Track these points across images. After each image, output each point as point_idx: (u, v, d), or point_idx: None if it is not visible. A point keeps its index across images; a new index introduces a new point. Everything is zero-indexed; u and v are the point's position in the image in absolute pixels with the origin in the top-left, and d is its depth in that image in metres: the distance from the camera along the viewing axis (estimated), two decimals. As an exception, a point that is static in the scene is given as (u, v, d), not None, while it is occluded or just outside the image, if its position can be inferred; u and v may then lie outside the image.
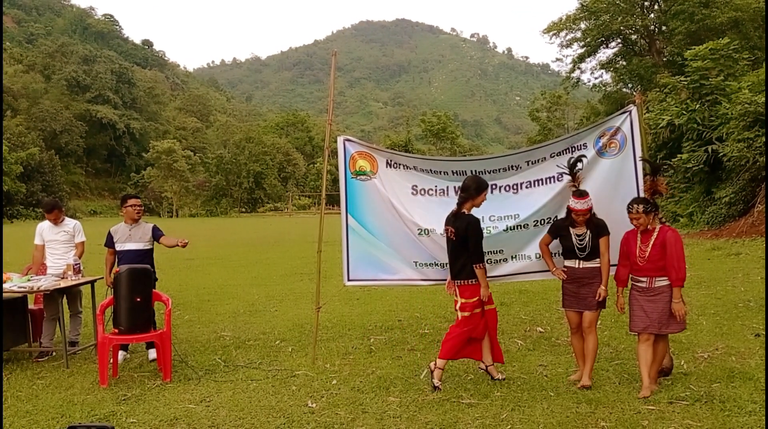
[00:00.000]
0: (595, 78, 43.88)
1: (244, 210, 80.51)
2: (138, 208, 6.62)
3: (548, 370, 5.63)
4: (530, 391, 4.99)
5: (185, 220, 64.13)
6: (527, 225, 5.73)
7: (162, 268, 6.72)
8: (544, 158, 5.79)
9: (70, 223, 7.07)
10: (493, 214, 5.71)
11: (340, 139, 6.08)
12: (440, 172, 6.00)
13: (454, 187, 5.93)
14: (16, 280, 6.41)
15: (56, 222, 6.93)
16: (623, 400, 4.69)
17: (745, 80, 18.24)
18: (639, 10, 37.24)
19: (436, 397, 4.93)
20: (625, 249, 5.03)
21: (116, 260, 6.50)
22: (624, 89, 40.00)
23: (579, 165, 5.32)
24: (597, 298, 5.09)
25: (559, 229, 5.28)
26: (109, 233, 6.58)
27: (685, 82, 19.84)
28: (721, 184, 18.27)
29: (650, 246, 4.85)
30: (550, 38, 40.68)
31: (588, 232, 5.10)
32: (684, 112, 19.21)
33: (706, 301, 8.39)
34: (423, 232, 5.84)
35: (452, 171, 5.98)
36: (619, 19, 36.15)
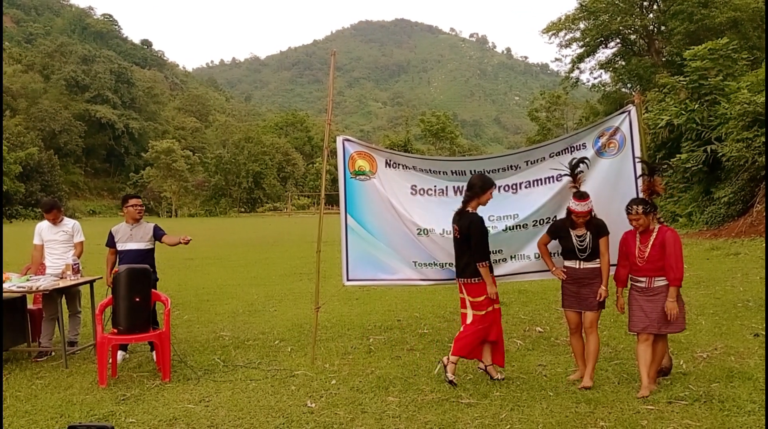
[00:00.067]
0: (594, 78, 43.94)
1: (243, 210, 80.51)
2: (139, 207, 6.61)
3: (547, 369, 5.63)
4: (529, 391, 4.99)
5: (184, 219, 64.11)
6: (526, 225, 5.73)
7: (161, 267, 6.72)
8: (544, 158, 5.80)
9: (69, 222, 7.06)
10: (492, 214, 5.71)
11: (339, 139, 6.08)
12: (439, 172, 6.00)
13: (454, 187, 5.94)
14: (15, 279, 6.40)
15: (55, 222, 6.93)
16: (622, 400, 4.69)
17: (744, 80, 18.27)
18: (638, 10, 37.25)
19: (435, 396, 4.93)
20: (624, 249, 5.03)
21: (117, 260, 6.49)
22: (623, 89, 40.01)
23: (581, 166, 5.32)
24: (598, 298, 5.09)
25: (558, 230, 5.27)
26: (110, 233, 6.57)
27: (684, 82, 19.85)
28: (720, 184, 18.28)
29: (649, 246, 4.85)
30: (550, 38, 40.72)
31: (588, 232, 5.10)
32: (683, 112, 19.23)
33: (705, 301, 8.39)
34: (422, 232, 5.84)
35: (451, 171, 5.99)
36: (618, 19, 36.17)
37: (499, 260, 5.75)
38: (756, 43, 27.85)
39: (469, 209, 5.31)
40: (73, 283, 6.54)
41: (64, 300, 6.75)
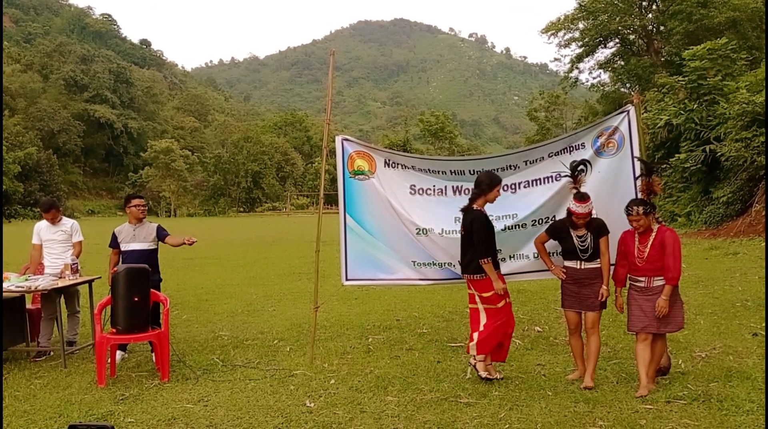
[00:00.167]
0: (594, 78, 43.88)
1: (242, 209, 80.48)
2: (142, 207, 6.61)
3: (546, 369, 5.63)
4: (528, 391, 4.99)
5: (183, 219, 64.06)
6: (525, 224, 5.74)
7: (160, 267, 6.71)
8: (542, 158, 5.80)
9: (67, 222, 7.05)
10: (491, 213, 5.69)
11: (338, 139, 6.08)
12: (438, 171, 6.01)
13: (453, 187, 5.95)
14: (14, 279, 6.39)
15: (54, 221, 6.92)
16: (621, 400, 4.69)
17: (743, 80, 18.27)
18: (637, 10, 37.26)
19: (434, 396, 4.93)
20: (623, 249, 5.03)
21: (120, 260, 6.48)
22: (622, 89, 40.01)
23: (582, 167, 5.31)
24: (600, 298, 5.09)
25: (558, 231, 5.27)
26: (114, 234, 6.57)
27: (683, 82, 19.86)
28: (719, 183, 18.29)
29: (649, 246, 4.85)
30: (549, 38, 40.71)
31: (589, 233, 5.10)
32: (682, 111, 19.23)
33: (703, 301, 8.40)
34: (421, 232, 5.85)
35: (450, 170, 5.99)
36: (617, 19, 36.18)
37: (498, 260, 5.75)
38: (755, 43, 27.87)
39: (475, 206, 5.32)
40: (71, 282, 6.53)
41: (62, 300, 6.74)
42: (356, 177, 6.00)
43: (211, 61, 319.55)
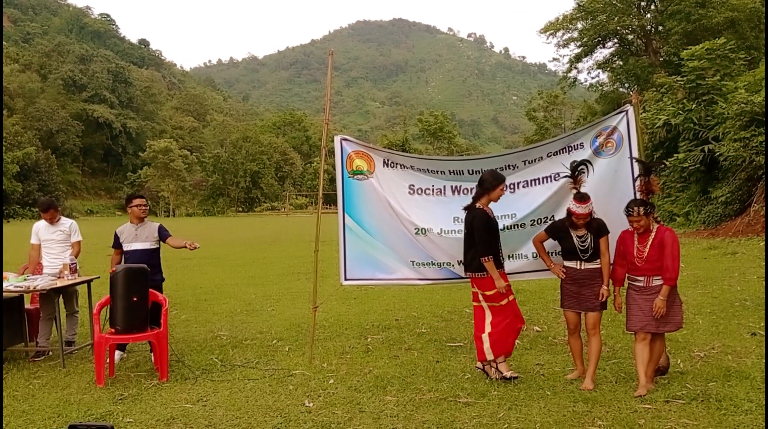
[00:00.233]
0: (592, 78, 43.93)
1: (240, 209, 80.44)
2: (143, 207, 6.61)
3: (545, 369, 5.64)
4: (527, 390, 4.99)
5: (182, 219, 64.02)
6: (524, 224, 5.74)
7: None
8: (541, 158, 5.81)
9: (66, 222, 7.04)
10: (490, 213, 5.71)
11: (337, 139, 6.08)
12: (437, 171, 6.01)
13: (451, 187, 5.95)
14: (13, 279, 6.39)
15: (52, 221, 6.91)
16: (620, 399, 4.69)
17: (742, 80, 18.31)
18: (635, 10, 37.32)
19: (433, 396, 4.93)
20: (622, 249, 5.03)
21: (123, 260, 6.47)
22: (621, 89, 40.06)
23: (582, 168, 5.31)
24: (600, 298, 5.09)
25: (558, 231, 5.27)
26: (116, 234, 6.57)
27: (682, 82, 19.88)
28: (718, 183, 18.31)
29: (648, 246, 4.85)
30: (547, 38, 40.78)
31: (589, 233, 5.10)
32: (680, 111, 19.25)
33: (702, 300, 8.40)
34: (420, 232, 5.85)
35: (449, 170, 5.99)
36: (616, 19, 36.23)
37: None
38: (753, 43, 27.93)
39: (477, 205, 5.32)
40: (70, 282, 6.53)
41: (61, 299, 6.73)
42: (355, 177, 6.00)
43: (209, 61, 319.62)
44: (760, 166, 15.61)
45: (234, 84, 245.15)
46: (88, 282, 6.81)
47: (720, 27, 29.22)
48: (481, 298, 5.36)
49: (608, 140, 5.59)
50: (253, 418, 4.55)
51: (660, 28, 36.27)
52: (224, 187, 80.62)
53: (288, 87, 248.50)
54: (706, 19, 29.83)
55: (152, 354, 6.11)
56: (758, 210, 15.76)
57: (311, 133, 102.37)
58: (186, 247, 6.38)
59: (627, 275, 5.05)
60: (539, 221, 5.69)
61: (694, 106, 19.03)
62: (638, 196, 5.20)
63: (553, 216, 5.65)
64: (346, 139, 6.09)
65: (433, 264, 5.92)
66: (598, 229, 5.10)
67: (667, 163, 19.33)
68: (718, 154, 17.04)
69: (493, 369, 5.32)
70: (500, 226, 5.68)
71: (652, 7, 37.23)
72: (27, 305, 6.97)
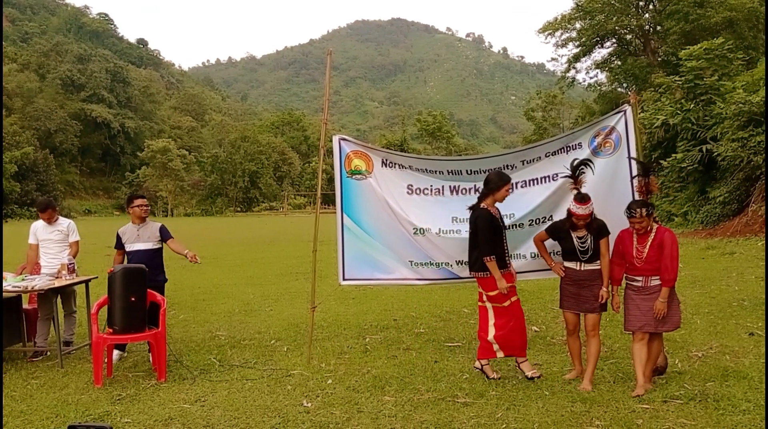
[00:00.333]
0: (591, 78, 44.02)
1: (239, 209, 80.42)
2: (145, 207, 6.60)
3: (543, 369, 5.63)
4: (525, 390, 4.99)
5: (180, 219, 63.98)
6: (522, 224, 5.74)
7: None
8: (540, 158, 5.81)
9: (64, 222, 7.04)
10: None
11: (335, 139, 6.07)
12: (436, 171, 6.01)
13: (450, 187, 5.95)
14: (11, 279, 6.37)
15: (50, 221, 6.90)
16: (618, 399, 4.70)
17: (740, 80, 18.33)
18: (634, 10, 37.36)
19: (431, 396, 4.93)
20: (621, 248, 5.03)
21: (125, 261, 6.46)
22: (619, 89, 40.11)
23: (582, 168, 5.31)
24: (600, 300, 5.09)
25: (558, 232, 5.26)
26: (118, 235, 6.56)
27: (680, 82, 19.90)
28: (716, 183, 18.33)
29: (647, 247, 4.84)
30: (546, 38, 40.83)
31: (589, 234, 5.09)
32: (678, 111, 19.27)
33: (700, 300, 8.41)
34: (418, 232, 5.85)
35: (448, 170, 5.99)
36: (614, 18, 36.27)
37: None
38: (751, 43, 27.98)
39: (482, 205, 5.33)
40: (68, 282, 6.52)
41: (59, 300, 6.72)
42: (353, 177, 6.00)
43: (208, 61, 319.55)
44: (758, 166, 15.63)
45: (232, 84, 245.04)
46: (86, 282, 6.80)
47: (718, 27, 29.26)
48: (485, 298, 5.36)
49: (606, 140, 5.59)
50: (251, 419, 4.54)
51: (658, 28, 36.32)
52: (222, 187, 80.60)
53: (286, 87, 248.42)
54: (705, 19, 29.88)
55: (150, 354, 6.10)
56: (756, 210, 15.78)
57: (309, 132, 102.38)
58: (187, 257, 6.37)
59: (625, 275, 5.05)
60: (538, 221, 5.69)
61: (692, 106, 19.05)
62: (636, 196, 5.20)
63: (551, 216, 5.65)
64: (344, 139, 6.09)
65: (432, 264, 5.92)
66: (599, 230, 5.09)
67: (664, 162, 19.34)
68: (716, 154, 17.05)
69: (490, 369, 5.36)
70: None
71: (651, 6, 37.29)
72: (25, 305, 6.96)
